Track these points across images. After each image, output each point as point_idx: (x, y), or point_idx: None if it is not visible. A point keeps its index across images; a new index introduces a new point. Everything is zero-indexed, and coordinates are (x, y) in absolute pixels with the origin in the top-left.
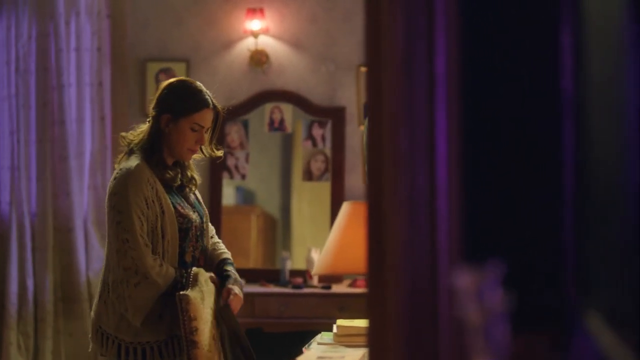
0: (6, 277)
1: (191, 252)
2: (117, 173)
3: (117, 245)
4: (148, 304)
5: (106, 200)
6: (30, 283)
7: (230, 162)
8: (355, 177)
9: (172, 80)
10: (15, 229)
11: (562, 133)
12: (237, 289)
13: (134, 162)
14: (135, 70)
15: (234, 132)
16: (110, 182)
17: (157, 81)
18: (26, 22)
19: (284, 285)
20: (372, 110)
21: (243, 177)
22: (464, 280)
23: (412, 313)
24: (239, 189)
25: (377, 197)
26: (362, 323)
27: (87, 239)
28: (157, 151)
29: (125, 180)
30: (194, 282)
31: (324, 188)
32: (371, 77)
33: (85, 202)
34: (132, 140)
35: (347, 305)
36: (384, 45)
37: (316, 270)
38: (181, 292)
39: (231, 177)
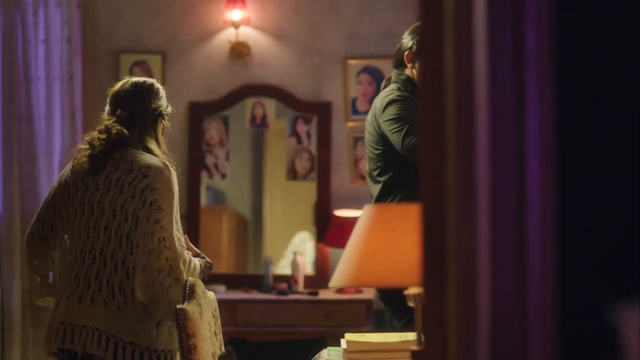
0: None
1: None
2: (149, 169)
3: (151, 245)
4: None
5: (131, 197)
6: None
7: (210, 160)
8: (343, 177)
9: (151, 79)
10: None
11: None
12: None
13: (156, 157)
14: (108, 63)
15: (213, 129)
16: (138, 175)
17: (131, 74)
18: None
19: (268, 291)
20: (429, 93)
21: (223, 176)
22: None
23: (493, 346)
24: (209, 188)
25: (436, 202)
26: (373, 338)
27: None
28: (154, 147)
29: (169, 178)
30: (191, 294)
31: (303, 188)
32: (429, 52)
33: None
34: (124, 135)
35: (334, 312)
36: (453, 16)
37: (335, 282)
38: (178, 307)
39: (210, 176)
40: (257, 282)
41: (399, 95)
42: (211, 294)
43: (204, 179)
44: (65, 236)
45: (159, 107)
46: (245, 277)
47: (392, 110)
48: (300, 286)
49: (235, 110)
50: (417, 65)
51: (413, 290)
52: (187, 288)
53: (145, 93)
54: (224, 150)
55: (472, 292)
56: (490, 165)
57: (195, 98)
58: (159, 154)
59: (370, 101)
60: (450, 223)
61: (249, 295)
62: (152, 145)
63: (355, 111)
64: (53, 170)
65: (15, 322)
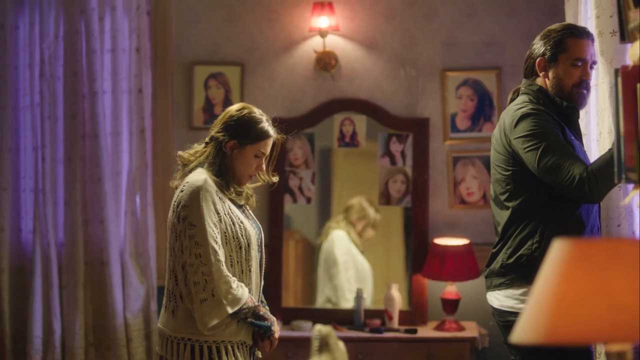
0: (29, 318)
1: (256, 269)
2: (184, 186)
3: (189, 260)
4: (213, 321)
5: (172, 212)
6: (57, 326)
7: (293, 183)
8: (441, 201)
9: (238, 107)
10: (39, 262)
11: None
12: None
13: (201, 175)
14: (180, 75)
15: (297, 148)
16: (176, 195)
17: (207, 88)
18: (53, 19)
19: (359, 328)
20: None
21: (308, 200)
22: None
23: None
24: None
25: None
26: None
27: (124, 274)
28: (224, 171)
29: (197, 193)
30: (324, 346)
31: (397, 213)
32: None
33: (122, 230)
34: (189, 160)
35: (436, 352)
36: None
37: (521, 337)
38: None
39: (294, 200)
40: (338, 316)
41: (532, 109)
42: (341, 345)
43: (287, 204)
44: None
45: (232, 134)
46: (329, 311)
47: (525, 126)
48: (396, 323)
49: (321, 127)
50: (550, 73)
51: (616, 347)
52: (319, 338)
53: (224, 121)
54: (309, 171)
55: None
56: None
57: (277, 114)
58: (226, 178)
59: (472, 117)
60: None
61: (339, 332)
62: (221, 169)
63: (454, 128)
64: (120, 193)
65: None
